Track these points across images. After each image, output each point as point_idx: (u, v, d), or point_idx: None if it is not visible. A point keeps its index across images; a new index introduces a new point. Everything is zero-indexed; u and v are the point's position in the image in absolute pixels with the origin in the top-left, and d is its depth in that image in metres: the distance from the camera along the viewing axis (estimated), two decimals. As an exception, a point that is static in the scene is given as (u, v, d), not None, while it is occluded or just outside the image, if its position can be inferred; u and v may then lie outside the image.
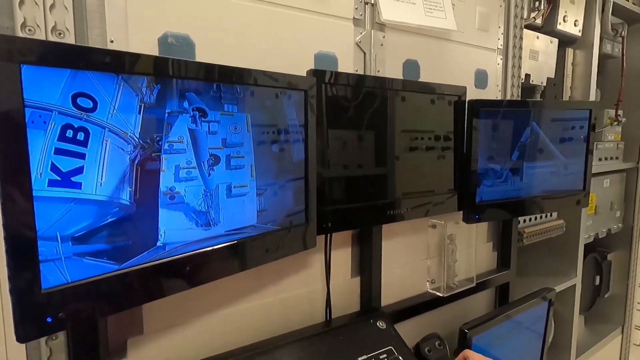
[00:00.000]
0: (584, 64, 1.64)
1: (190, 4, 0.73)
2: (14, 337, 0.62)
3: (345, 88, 0.85)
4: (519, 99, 1.35)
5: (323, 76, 0.81)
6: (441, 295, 1.15)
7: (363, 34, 0.97)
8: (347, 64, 0.95)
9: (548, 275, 1.69)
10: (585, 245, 1.76)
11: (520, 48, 1.34)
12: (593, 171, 1.70)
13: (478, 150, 1.07)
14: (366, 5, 0.97)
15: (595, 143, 1.73)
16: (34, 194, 0.45)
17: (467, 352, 0.96)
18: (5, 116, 0.42)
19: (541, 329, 1.35)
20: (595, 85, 1.65)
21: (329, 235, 0.92)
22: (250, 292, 0.87)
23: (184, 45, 0.73)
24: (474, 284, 1.20)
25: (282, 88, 0.72)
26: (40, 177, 0.45)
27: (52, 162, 0.46)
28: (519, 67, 1.34)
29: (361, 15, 0.96)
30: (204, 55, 0.75)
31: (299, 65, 0.85)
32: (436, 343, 0.93)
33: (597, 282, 2.02)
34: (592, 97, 1.63)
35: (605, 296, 2.06)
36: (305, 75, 0.80)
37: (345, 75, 0.86)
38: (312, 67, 0.87)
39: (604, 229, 1.89)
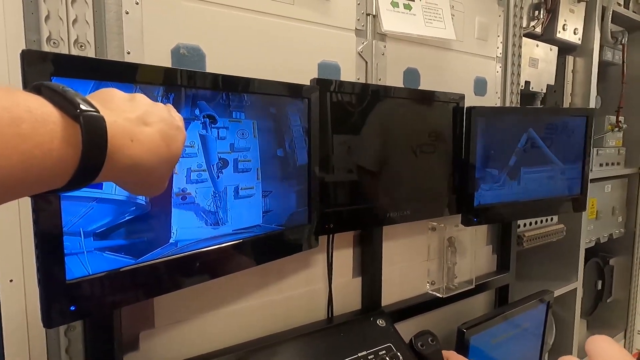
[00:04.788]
0: (584, 71, 1.67)
1: (201, 17, 0.78)
2: (35, 329, 0.68)
3: (347, 96, 0.89)
4: (518, 105, 1.38)
5: (326, 85, 0.85)
6: (441, 296, 1.18)
7: (365, 44, 1.01)
8: (350, 73, 0.99)
9: (549, 279, 1.70)
10: (587, 250, 1.77)
11: (520, 56, 1.37)
12: (594, 176, 1.73)
13: (476, 155, 1.10)
14: (368, 17, 1.01)
15: (595, 149, 1.76)
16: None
17: (449, 353, 0.99)
18: (37, 123, 0.47)
19: (540, 332, 1.37)
20: (595, 92, 1.67)
21: (331, 236, 0.96)
22: (254, 290, 0.90)
23: (196, 56, 0.78)
24: (473, 286, 1.23)
25: (286, 96, 0.77)
26: (67, 178, 0.50)
27: (77, 165, 0.51)
28: (518, 74, 1.38)
29: (363, 26, 1.01)
30: (214, 65, 0.79)
31: (304, 74, 0.89)
32: (429, 339, 0.97)
33: (599, 287, 2.02)
34: (592, 104, 1.66)
35: (608, 301, 2.06)
36: (308, 83, 0.85)
37: (347, 84, 0.90)
38: (316, 76, 0.92)
39: (605, 234, 1.90)
